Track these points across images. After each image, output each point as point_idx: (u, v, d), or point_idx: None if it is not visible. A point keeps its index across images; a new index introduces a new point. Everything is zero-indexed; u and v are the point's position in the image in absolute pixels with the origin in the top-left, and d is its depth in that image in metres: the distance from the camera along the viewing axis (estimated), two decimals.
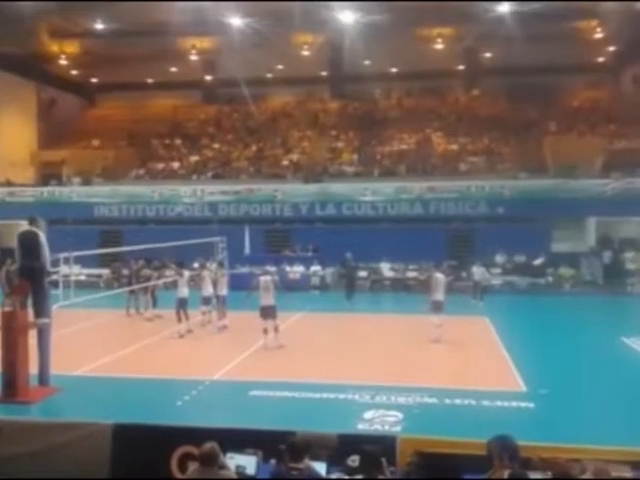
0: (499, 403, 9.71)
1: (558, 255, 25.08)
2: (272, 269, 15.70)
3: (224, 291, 16.36)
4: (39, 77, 35.79)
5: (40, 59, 34.38)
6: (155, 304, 18.29)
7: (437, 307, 14.59)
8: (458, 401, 9.80)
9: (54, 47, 33.65)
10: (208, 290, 16.10)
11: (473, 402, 9.75)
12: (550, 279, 24.66)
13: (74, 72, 37.61)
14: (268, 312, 13.84)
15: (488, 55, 35.05)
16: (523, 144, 31.72)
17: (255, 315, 14.21)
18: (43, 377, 10.57)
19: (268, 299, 13.91)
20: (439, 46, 32.07)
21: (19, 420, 7.75)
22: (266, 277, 14.27)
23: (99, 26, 29.32)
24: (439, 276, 15.03)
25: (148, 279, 18.17)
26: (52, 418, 8.40)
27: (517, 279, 24.47)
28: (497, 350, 13.56)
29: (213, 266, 17.15)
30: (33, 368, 10.37)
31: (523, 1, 24.69)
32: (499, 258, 25.06)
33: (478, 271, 20.98)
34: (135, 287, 18.14)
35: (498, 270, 24.56)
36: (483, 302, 20.27)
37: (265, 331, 13.76)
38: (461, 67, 36.59)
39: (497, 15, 25.91)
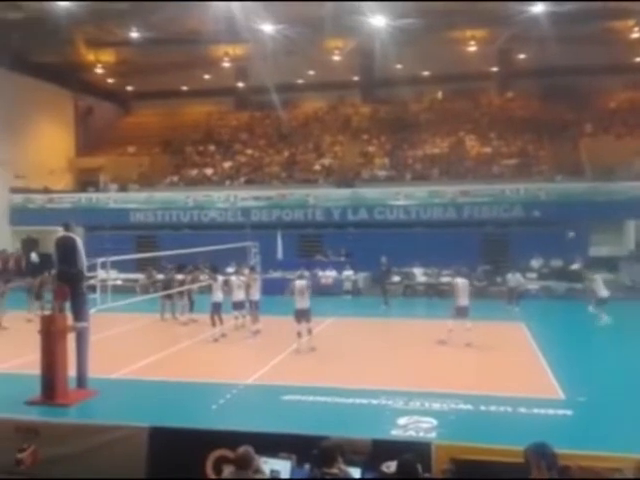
0: (536, 410, 9.53)
1: (596, 259, 24.54)
2: (306, 273, 15.79)
3: (257, 296, 16.44)
4: (76, 86, 36.64)
5: (77, 68, 35.13)
6: (192, 308, 18.48)
7: (460, 312, 14.49)
8: (494, 408, 9.66)
9: (90, 56, 34.31)
10: (237, 296, 16.20)
11: (509, 409, 9.59)
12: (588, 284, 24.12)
13: (110, 80, 38.31)
14: (303, 315, 13.98)
15: (522, 56, 34.54)
16: (558, 146, 31.17)
17: (288, 319, 14.25)
18: (81, 380, 10.76)
19: (303, 302, 14.03)
20: (472, 48, 31.71)
21: (57, 422, 7.90)
22: (301, 281, 14.40)
23: (134, 35, 29.81)
24: (459, 281, 14.92)
25: (182, 283, 18.38)
26: (89, 420, 8.53)
27: (554, 284, 23.97)
28: (534, 356, 13.32)
29: (246, 271, 17.25)
30: (71, 371, 10.58)
31: (557, 1, 24.31)
32: (535, 263, 24.62)
33: (513, 278, 20.70)
34: (171, 291, 18.36)
35: (534, 275, 24.14)
36: (519, 307, 19.97)
37: (299, 334, 13.85)
38: (495, 69, 36.10)
39: (531, 16, 25.49)
